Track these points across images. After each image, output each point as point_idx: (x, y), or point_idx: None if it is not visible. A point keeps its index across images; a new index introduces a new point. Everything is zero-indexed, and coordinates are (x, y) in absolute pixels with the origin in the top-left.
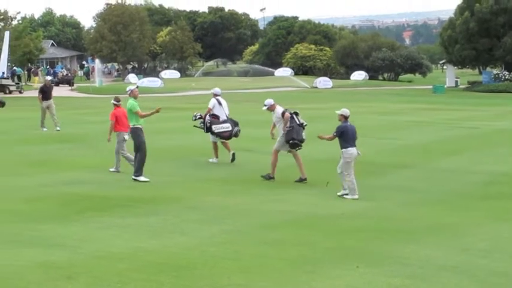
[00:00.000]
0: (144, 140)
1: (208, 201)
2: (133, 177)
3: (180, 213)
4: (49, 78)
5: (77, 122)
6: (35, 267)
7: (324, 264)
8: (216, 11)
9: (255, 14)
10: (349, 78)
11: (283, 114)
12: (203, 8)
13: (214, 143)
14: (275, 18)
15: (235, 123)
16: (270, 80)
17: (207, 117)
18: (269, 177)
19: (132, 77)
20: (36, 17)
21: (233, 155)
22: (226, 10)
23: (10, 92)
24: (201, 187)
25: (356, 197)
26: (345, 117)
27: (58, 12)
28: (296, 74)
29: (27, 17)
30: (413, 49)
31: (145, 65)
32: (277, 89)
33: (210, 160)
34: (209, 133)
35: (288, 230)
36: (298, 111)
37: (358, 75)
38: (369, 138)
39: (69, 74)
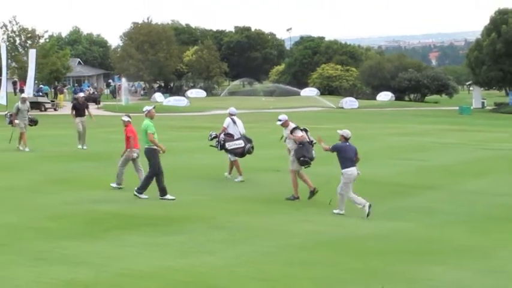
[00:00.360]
0: (158, 161)
1: (235, 221)
2: (136, 192)
3: (207, 233)
4: (82, 95)
5: (103, 140)
6: (60, 285)
7: (349, 286)
8: (242, 31)
9: (281, 34)
10: (375, 99)
11: (292, 131)
12: (230, 28)
13: (235, 161)
14: (301, 38)
15: (248, 140)
16: (296, 100)
17: (221, 135)
18: (294, 198)
19: (158, 96)
20: (63, 35)
21: (228, 174)
22: (252, 30)
23: (45, 110)
24: (228, 207)
25: (342, 212)
26: (345, 138)
27: (85, 30)
28: (322, 94)
29: (55, 35)
30: (440, 70)
31: (172, 84)
32: (303, 108)
33: (236, 180)
34: (226, 152)
35: (314, 250)
36: (307, 128)
37: (384, 96)
38: (394, 160)
39: (96, 92)
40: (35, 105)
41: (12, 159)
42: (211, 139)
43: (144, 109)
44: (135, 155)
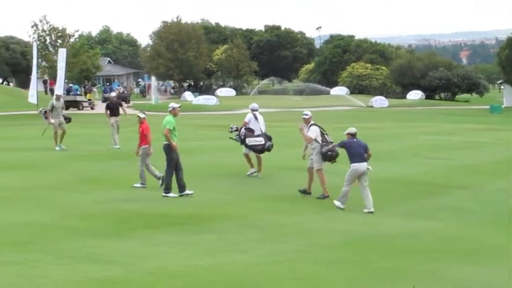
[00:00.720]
0: (176, 157)
1: (265, 219)
2: (164, 194)
3: (236, 231)
4: (114, 94)
5: (132, 140)
6: (91, 283)
7: (379, 285)
8: (272, 30)
9: (311, 33)
10: (405, 98)
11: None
12: (259, 27)
13: (247, 155)
14: (331, 36)
15: (268, 138)
16: (325, 99)
17: (242, 130)
18: (324, 197)
19: (188, 95)
20: (93, 34)
21: (257, 173)
22: (282, 28)
23: (82, 108)
24: (257, 205)
25: (342, 206)
26: (351, 135)
27: (115, 29)
28: (352, 92)
29: (85, 34)
30: (470, 69)
31: (201, 83)
32: (333, 107)
33: (248, 173)
34: (243, 145)
35: (345, 249)
36: (325, 130)
37: (415, 95)
38: (424, 159)
39: (126, 91)
40: (73, 103)
41: (43, 158)
42: (232, 131)
43: (169, 106)
44: (151, 150)
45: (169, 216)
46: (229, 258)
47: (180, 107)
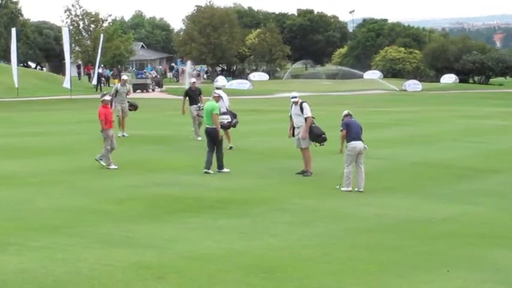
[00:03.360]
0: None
1: (299, 203)
2: (218, 170)
3: (270, 215)
4: (193, 80)
5: (167, 124)
6: (125, 267)
7: (414, 269)
8: (305, 14)
9: (344, 17)
10: (438, 81)
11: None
12: (292, 11)
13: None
14: (364, 20)
15: (234, 116)
16: (358, 83)
17: None
18: (310, 174)
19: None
20: (126, 19)
21: (230, 147)
22: (315, 12)
23: (153, 90)
24: (291, 189)
25: (349, 189)
26: (349, 115)
27: (148, 14)
28: (385, 76)
29: (117, 19)
30: (505, 52)
31: (234, 67)
32: (366, 91)
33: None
34: None
35: (379, 234)
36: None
37: (448, 78)
38: (459, 142)
39: (158, 76)
40: (141, 86)
41: (78, 143)
42: (200, 110)
43: (215, 92)
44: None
45: (203, 200)
46: (262, 242)
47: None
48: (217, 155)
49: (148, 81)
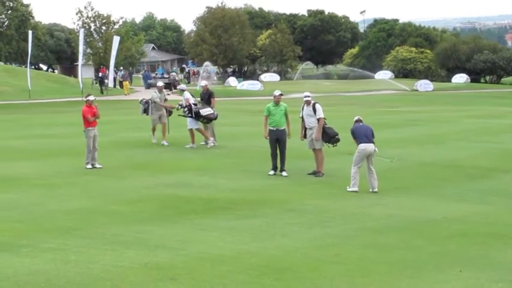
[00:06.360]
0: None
1: (311, 204)
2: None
3: (282, 216)
4: (205, 83)
5: (179, 126)
6: (137, 268)
7: (427, 269)
8: (315, 14)
9: (354, 17)
10: (450, 81)
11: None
12: (303, 11)
13: (198, 129)
14: (375, 20)
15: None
16: (370, 83)
17: (192, 105)
18: (317, 174)
19: (232, 80)
20: (137, 21)
21: (206, 143)
22: (326, 13)
23: (175, 89)
24: (302, 190)
25: (356, 189)
26: (356, 121)
27: (159, 16)
28: (396, 77)
29: (129, 21)
30: None
31: (245, 68)
32: (377, 92)
33: (187, 146)
34: (190, 120)
35: (391, 234)
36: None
37: (460, 78)
38: (470, 142)
39: (170, 77)
40: (168, 86)
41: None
42: (179, 109)
43: (276, 93)
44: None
45: (215, 201)
46: (274, 243)
47: (281, 95)
48: (281, 156)
49: (169, 81)
